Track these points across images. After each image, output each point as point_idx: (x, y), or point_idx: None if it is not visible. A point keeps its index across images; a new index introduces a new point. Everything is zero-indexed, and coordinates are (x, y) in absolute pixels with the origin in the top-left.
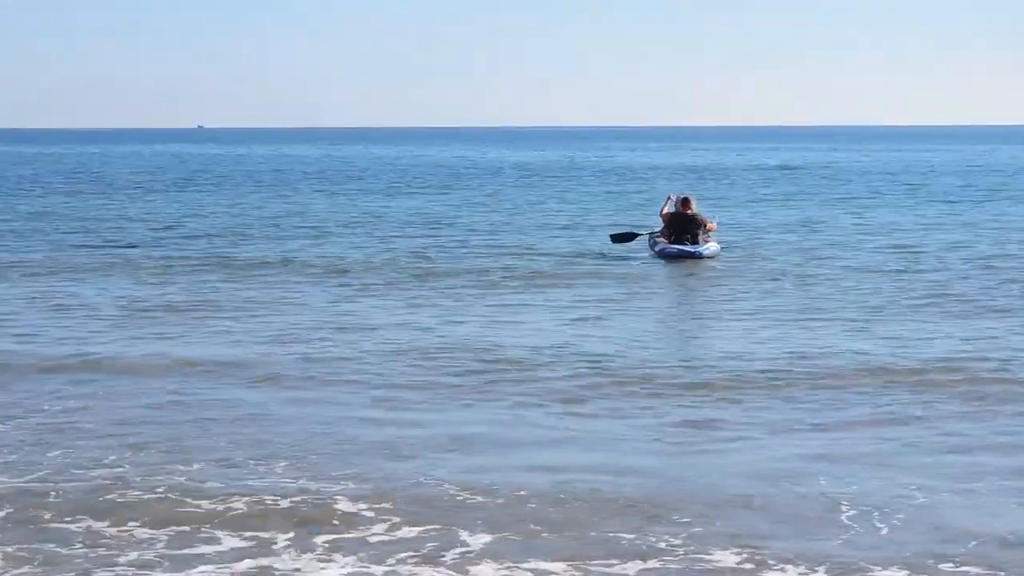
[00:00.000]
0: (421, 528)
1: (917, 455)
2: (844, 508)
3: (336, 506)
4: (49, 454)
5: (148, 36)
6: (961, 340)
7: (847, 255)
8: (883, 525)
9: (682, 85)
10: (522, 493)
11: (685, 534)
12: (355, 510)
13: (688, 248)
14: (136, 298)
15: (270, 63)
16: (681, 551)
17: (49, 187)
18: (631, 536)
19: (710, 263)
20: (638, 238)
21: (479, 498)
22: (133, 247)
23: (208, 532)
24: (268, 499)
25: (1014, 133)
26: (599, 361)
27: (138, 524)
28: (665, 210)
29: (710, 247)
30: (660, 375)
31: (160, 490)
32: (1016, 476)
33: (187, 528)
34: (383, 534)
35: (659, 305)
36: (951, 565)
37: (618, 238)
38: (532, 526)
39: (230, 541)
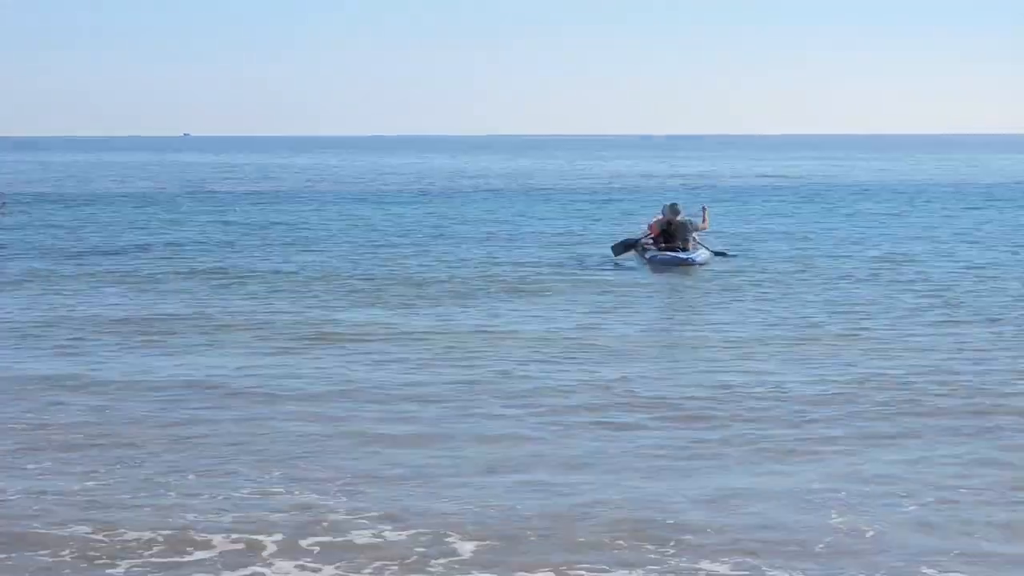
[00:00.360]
0: (409, 534)
1: (907, 464)
2: (834, 516)
3: (327, 514)
4: (32, 465)
5: (131, 40)
6: (950, 351)
7: (838, 264)
8: (870, 530)
9: (677, 93)
10: (511, 502)
11: (674, 542)
12: (345, 518)
13: (681, 255)
14: (124, 310)
15: (258, 68)
16: (672, 561)
17: (38, 196)
18: (621, 543)
19: (702, 270)
20: (626, 245)
21: (468, 507)
22: (119, 255)
23: (200, 538)
24: (259, 506)
25: (999, 141)
26: (590, 372)
27: (129, 532)
28: (656, 224)
29: (701, 254)
30: (651, 387)
31: (151, 499)
32: (999, 484)
33: (178, 534)
34: (372, 540)
35: (650, 316)
36: (935, 571)
37: (620, 249)
38: (521, 534)
39: (222, 545)
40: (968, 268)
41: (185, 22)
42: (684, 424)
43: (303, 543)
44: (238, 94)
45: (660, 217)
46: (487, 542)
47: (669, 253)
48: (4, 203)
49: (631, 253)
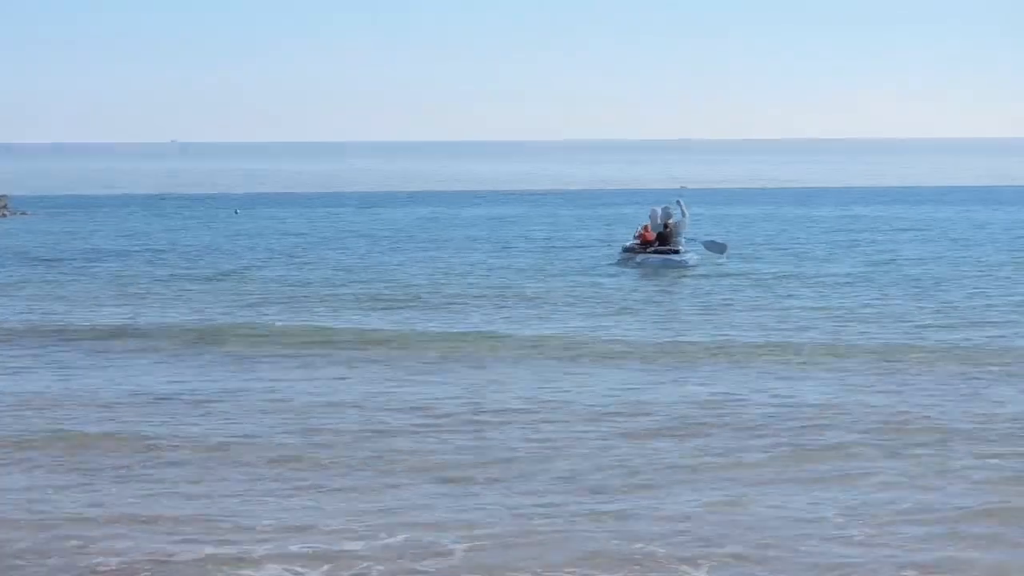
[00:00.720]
0: (403, 538)
1: (898, 474)
2: (831, 518)
3: (319, 520)
4: (21, 474)
5: (119, 43)
6: (947, 359)
7: (831, 269)
8: (857, 533)
9: (667, 97)
10: (502, 505)
11: (666, 543)
12: (338, 526)
13: (674, 258)
14: (114, 317)
15: (249, 71)
16: (663, 562)
17: (29, 200)
18: (615, 544)
19: (698, 274)
20: (626, 250)
21: (461, 515)
22: (112, 260)
23: (191, 542)
24: (252, 511)
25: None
26: (587, 379)
27: (121, 533)
28: (650, 227)
29: (692, 256)
30: (650, 395)
31: (142, 505)
32: (991, 493)
33: (170, 538)
34: (362, 544)
35: (648, 322)
36: (916, 573)
37: (623, 255)
38: (512, 539)
39: (209, 549)
40: (961, 272)
41: (175, 25)
42: (683, 431)
43: (294, 548)
44: (227, 99)
45: (648, 225)
46: (480, 543)
47: (661, 256)
48: (5, 205)
49: (629, 255)
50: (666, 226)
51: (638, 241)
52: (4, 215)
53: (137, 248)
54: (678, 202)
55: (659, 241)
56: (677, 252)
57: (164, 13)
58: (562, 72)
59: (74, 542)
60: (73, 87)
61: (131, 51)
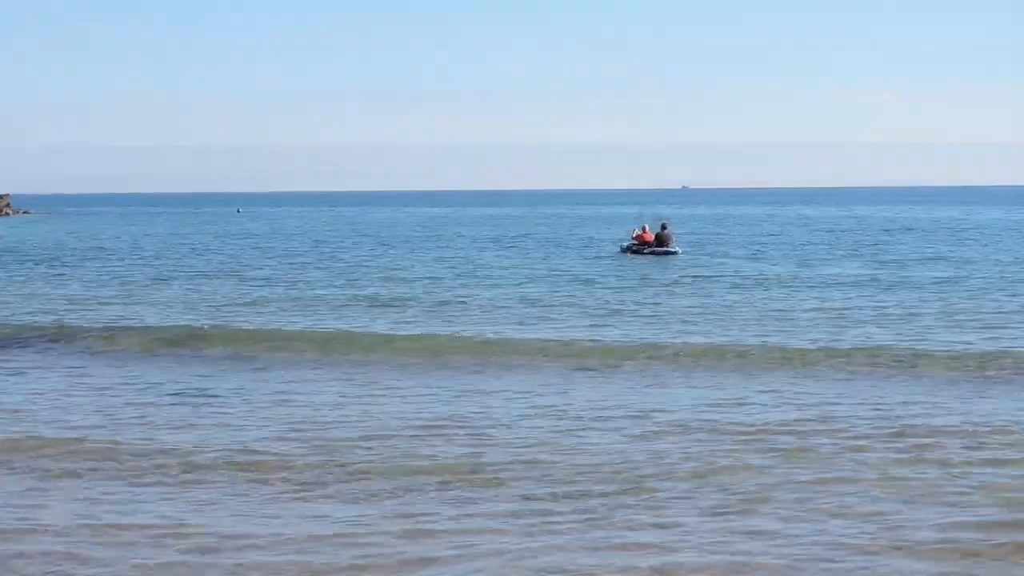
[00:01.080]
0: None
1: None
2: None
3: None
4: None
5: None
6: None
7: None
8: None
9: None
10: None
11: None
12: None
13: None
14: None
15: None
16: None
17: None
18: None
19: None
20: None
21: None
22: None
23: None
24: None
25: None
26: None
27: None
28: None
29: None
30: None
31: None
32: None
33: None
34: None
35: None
36: None
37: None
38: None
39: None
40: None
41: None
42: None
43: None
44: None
45: (646, 226)
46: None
47: (658, 257)
48: (7, 204)
49: (629, 254)
50: (663, 227)
51: (636, 241)
52: (6, 214)
53: (138, 247)
54: (642, 217)
55: (657, 242)
56: (675, 253)
57: (162, 13)
58: (562, 72)
59: (59, 550)
60: (73, 87)
61: (131, 52)
